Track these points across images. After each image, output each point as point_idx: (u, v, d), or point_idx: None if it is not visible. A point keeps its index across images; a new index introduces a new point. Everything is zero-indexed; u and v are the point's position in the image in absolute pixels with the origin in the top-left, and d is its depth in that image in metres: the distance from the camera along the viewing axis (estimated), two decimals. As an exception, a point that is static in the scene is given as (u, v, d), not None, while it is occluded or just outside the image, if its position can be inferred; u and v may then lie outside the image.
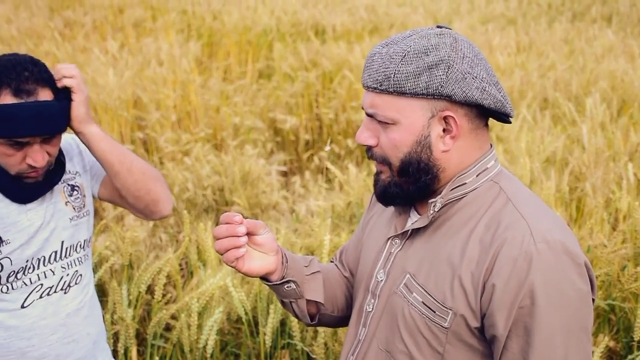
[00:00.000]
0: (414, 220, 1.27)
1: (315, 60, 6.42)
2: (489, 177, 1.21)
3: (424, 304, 1.19)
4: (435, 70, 1.13)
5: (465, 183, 1.20)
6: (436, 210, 1.20)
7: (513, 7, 10.23)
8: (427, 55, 1.13)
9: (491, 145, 1.24)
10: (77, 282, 1.67)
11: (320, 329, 2.35)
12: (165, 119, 5.00)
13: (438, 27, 1.20)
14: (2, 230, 1.53)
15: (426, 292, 1.19)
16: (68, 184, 1.66)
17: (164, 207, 1.69)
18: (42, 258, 1.59)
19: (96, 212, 3.90)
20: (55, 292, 1.63)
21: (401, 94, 1.15)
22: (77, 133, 1.56)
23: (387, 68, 1.15)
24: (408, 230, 1.25)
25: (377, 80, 1.16)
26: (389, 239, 1.30)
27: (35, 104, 1.43)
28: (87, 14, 8.86)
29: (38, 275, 1.59)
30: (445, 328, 1.16)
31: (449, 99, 1.14)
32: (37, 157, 1.48)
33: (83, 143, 1.59)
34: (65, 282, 1.64)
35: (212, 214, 3.84)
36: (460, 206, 1.20)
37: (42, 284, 1.60)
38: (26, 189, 1.55)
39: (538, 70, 6.16)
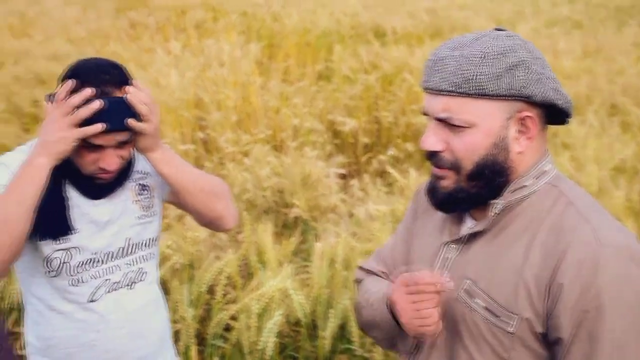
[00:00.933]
0: (469, 225, 1.25)
1: (375, 63, 6.39)
2: (547, 180, 1.19)
3: (486, 309, 1.17)
4: (516, 71, 1.12)
5: (526, 186, 1.18)
6: (497, 212, 1.18)
7: (579, 10, 9.96)
8: (506, 56, 1.12)
9: (547, 149, 1.23)
10: (142, 279, 1.69)
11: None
12: (226, 120, 5.05)
13: (496, 29, 1.20)
14: (74, 219, 1.56)
15: (489, 297, 1.17)
16: (138, 183, 1.69)
17: (227, 222, 1.73)
18: (109, 253, 1.62)
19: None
20: (121, 287, 1.65)
21: (482, 95, 1.13)
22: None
23: (466, 70, 1.12)
24: (465, 235, 1.23)
25: (455, 83, 1.13)
26: (444, 244, 1.28)
27: (107, 98, 1.44)
28: (151, 15, 9.07)
29: (105, 269, 1.62)
30: (510, 333, 1.14)
31: (527, 99, 1.14)
32: (110, 161, 1.51)
33: None
34: (130, 278, 1.66)
35: (271, 215, 3.85)
36: (520, 210, 1.18)
37: (108, 279, 1.63)
38: (98, 186, 1.59)
39: (606, 75, 5.97)
